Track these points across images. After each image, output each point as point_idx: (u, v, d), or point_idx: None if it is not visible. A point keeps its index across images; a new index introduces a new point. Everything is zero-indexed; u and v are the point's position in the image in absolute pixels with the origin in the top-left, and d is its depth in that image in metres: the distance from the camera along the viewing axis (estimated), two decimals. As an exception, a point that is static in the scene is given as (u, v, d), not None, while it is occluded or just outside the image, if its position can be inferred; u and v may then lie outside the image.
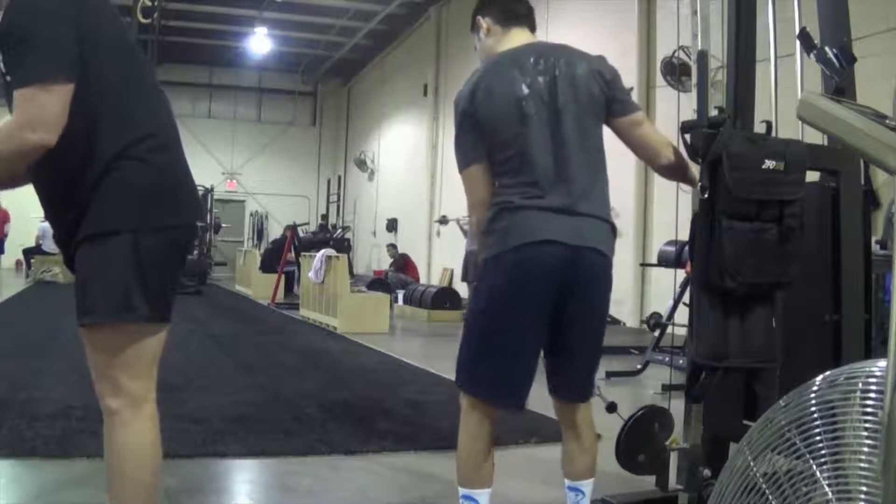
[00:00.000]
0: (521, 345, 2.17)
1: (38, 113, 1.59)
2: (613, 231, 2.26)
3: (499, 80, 2.19)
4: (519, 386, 2.20)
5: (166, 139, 1.83)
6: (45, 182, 1.81)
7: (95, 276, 1.74)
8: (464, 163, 2.24)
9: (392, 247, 15.12)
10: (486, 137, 2.19)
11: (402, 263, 14.08)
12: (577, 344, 2.23)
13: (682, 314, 3.31)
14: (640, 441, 2.56)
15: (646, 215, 9.90)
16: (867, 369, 1.36)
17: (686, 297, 3.43)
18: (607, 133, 2.31)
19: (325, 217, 19.78)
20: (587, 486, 2.33)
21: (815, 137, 2.32)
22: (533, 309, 2.15)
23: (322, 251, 9.72)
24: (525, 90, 2.17)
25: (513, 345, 2.17)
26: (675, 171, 2.34)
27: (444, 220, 14.78)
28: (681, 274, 5.28)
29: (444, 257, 15.15)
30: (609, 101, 2.26)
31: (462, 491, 2.23)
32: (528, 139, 2.16)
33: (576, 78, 2.20)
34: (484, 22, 2.36)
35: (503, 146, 2.18)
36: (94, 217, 1.73)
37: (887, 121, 1.37)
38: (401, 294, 11.53)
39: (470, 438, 2.22)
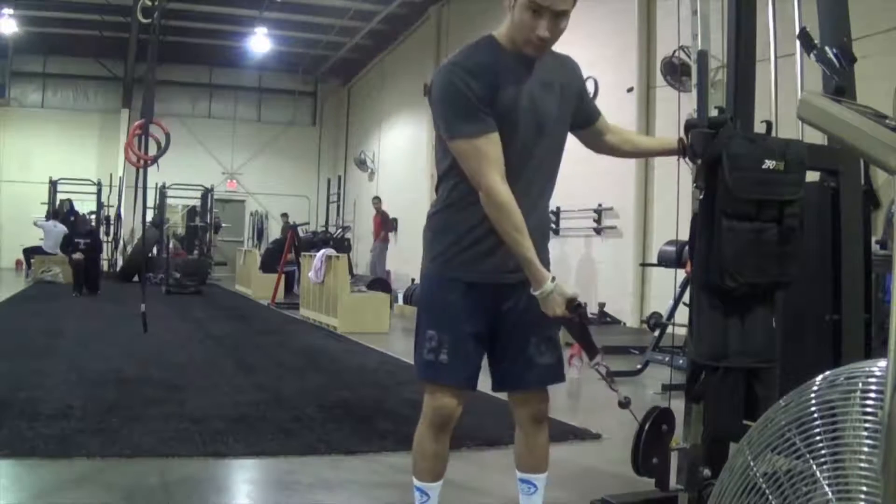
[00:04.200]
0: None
1: None
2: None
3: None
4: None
5: None
6: None
7: None
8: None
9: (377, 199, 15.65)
10: None
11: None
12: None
13: (682, 314, 3.31)
14: (654, 445, 2.55)
15: (646, 215, 9.89)
16: (867, 369, 1.36)
17: (686, 297, 3.43)
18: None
19: (325, 227, 19.78)
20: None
21: (815, 137, 2.32)
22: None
23: (322, 251, 9.72)
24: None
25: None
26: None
27: None
28: (681, 274, 5.28)
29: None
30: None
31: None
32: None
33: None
34: None
35: None
36: None
37: (887, 121, 1.37)
38: (401, 294, 11.53)
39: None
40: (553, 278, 2.01)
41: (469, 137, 1.99)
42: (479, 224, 2.08)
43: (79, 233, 12.57)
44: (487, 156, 1.99)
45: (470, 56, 2.06)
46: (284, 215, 18.95)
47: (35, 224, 15.22)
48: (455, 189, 2.13)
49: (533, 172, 2.12)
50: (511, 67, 2.05)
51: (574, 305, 2.02)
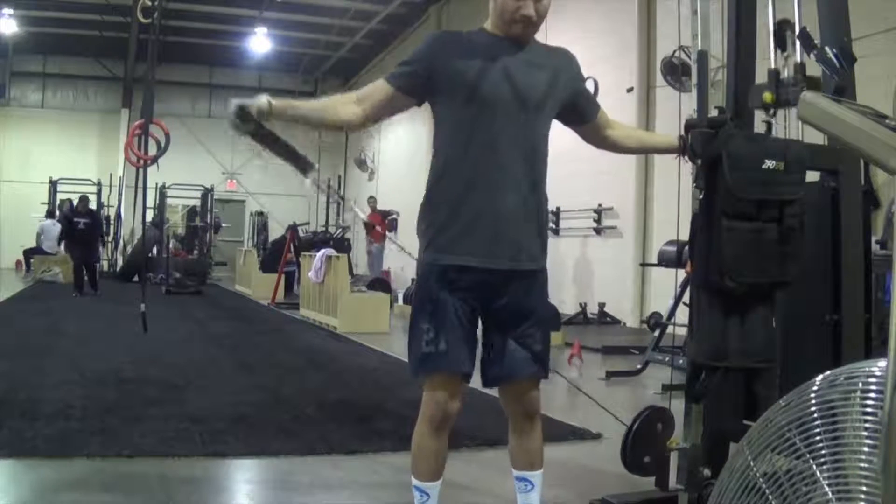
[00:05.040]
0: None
1: None
2: None
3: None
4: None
5: None
6: None
7: None
8: (390, 77, 2.23)
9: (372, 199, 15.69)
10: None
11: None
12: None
13: (683, 314, 3.31)
14: (646, 443, 2.55)
15: (646, 215, 9.90)
16: (867, 369, 1.36)
17: (686, 297, 3.43)
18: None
19: (324, 228, 19.86)
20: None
21: (815, 137, 2.32)
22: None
23: (322, 251, 9.71)
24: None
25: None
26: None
27: None
28: (681, 274, 5.28)
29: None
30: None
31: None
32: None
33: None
34: None
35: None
36: None
37: (887, 121, 1.37)
38: (400, 294, 11.53)
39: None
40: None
41: (385, 79, 2.25)
42: (452, 200, 2.17)
43: (78, 213, 12.47)
44: (372, 91, 2.26)
45: (448, 34, 2.30)
46: (261, 213, 18.99)
47: (39, 235, 15.25)
48: (432, 176, 2.29)
49: (512, 145, 2.15)
50: (489, 46, 2.16)
51: (246, 116, 2.09)
